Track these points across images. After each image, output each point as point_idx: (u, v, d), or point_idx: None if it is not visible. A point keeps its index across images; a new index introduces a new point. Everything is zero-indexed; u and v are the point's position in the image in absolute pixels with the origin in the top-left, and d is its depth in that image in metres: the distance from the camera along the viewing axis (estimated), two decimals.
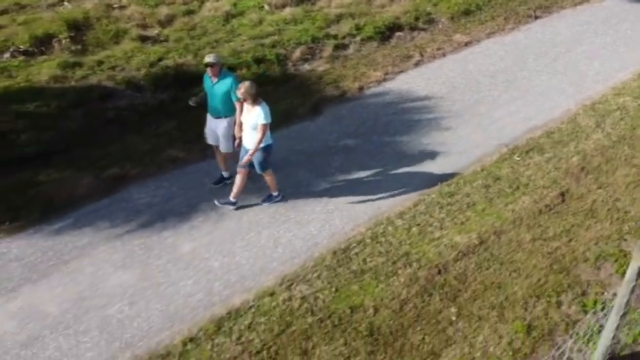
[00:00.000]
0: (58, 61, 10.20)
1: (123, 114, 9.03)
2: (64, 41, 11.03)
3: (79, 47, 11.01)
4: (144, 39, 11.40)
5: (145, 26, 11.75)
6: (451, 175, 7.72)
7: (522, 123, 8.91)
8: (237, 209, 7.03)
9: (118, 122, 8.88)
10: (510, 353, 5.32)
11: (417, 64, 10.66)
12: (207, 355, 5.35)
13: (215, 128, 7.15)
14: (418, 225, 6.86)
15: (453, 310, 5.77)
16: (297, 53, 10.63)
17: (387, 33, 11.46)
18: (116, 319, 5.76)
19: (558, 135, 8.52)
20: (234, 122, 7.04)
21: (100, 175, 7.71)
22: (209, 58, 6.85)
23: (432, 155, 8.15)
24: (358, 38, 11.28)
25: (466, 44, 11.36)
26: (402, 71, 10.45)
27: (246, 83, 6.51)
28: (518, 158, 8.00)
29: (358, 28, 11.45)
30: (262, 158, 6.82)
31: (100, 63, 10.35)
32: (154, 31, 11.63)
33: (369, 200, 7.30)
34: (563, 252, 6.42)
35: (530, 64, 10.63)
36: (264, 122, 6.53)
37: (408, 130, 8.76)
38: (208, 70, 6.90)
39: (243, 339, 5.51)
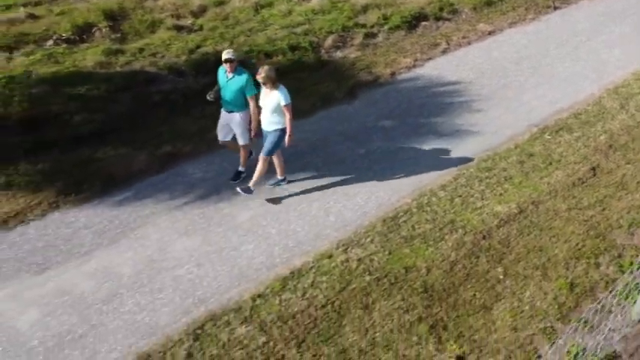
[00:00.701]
0: (101, 48, 10.64)
1: (169, 97, 9.46)
2: (103, 30, 11.46)
3: (118, 36, 11.44)
4: (179, 28, 11.84)
5: (178, 16, 12.20)
6: (486, 153, 8.13)
7: (549, 106, 9.34)
8: (287, 183, 7.41)
9: (165, 105, 9.31)
10: (556, 307, 5.76)
11: (444, 52, 11.10)
12: (277, 309, 5.79)
13: (229, 122, 7.29)
14: (460, 196, 7.30)
15: (500, 270, 6.21)
16: (329, 41, 11.07)
17: (413, 22, 11.90)
18: (186, 278, 6.20)
19: (585, 116, 8.96)
20: (248, 117, 7.19)
21: (154, 153, 8.14)
22: (228, 55, 6.96)
23: (466, 135, 8.58)
24: (386, 27, 11.71)
25: (489, 33, 11.81)
26: (430, 58, 10.88)
27: (266, 67, 6.73)
28: (548, 137, 8.44)
29: (385, 18, 11.88)
30: (276, 140, 6.97)
31: (140, 50, 10.77)
32: (187, 21, 12.07)
33: (410, 175, 7.74)
34: (597, 220, 6.86)
35: (553, 52, 11.08)
36: (285, 103, 6.74)
37: (441, 112, 9.20)
38: (227, 65, 6.99)
39: (307, 295, 5.94)
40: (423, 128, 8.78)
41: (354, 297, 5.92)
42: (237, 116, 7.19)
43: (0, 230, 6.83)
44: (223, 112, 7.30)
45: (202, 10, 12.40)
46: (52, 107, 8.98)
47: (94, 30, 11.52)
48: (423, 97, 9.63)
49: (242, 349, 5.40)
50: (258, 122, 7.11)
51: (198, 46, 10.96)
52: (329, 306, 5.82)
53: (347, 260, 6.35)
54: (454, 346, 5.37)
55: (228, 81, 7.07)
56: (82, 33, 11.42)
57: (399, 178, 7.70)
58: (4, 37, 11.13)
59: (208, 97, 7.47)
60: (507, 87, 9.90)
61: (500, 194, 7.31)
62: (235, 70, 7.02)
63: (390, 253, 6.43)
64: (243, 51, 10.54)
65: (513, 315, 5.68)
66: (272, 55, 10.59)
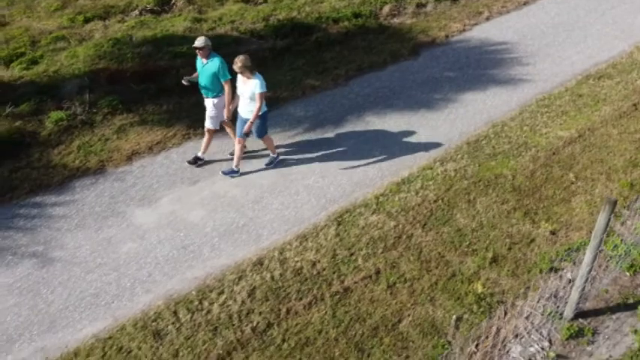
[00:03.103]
0: (184, 16, 11.97)
1: (257, 55, 10.78)
2: (181, 2, 12.79)
3: (194, 7, 12.78)
4: (246, 1, 13.18)
5: None
6: (542, 94, 9.59)
7: (588, 59, 10.81)
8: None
9: (256, 61, 10.62)
10: (621, 199, 7.21)
11: (487, 19, 12.53)
12: (398, 204, 7.20)
13: (206, 107, 7.54)
14: (527, 125, 8.74)
15: (572, 175, 7.65)
16: (386, 9, 12.48)
17: None
18: (315, 186, 7.59)
19: (621, 66, 10.43)
20: (222, 103, 7.43)
21: None
22: (198, 43, 7.18)
23: (521, 82, 10.02)
24: None
25: (524, 3, 13.27)
26: (476, 24, 12.32)
27: (242, 57, 6.91)
28: (592, 82, 9.90)
29: None
30: (261, 125, 7.32)
31: (220, 18, 12.12)
32: None
33: (481, 111, 9.17)
34: None
35: (583, 18, 12.56)
36: (260, 91, 6.97)
37: (496, 65, 10.64)
38: (198, 53, 7.24)
39: (420, 194, 7.36)
40: (483, 77, 10.20)
41: (458, 195, 7.33)
42: (210, 102, 7.45)
43: (147, 155, 8.14)
44: (204, 97, 7.56)
45: None
46: (159, 63, 10.29)
47: (173, 2, 12.80)
48: (477, 54, 11.05)
49: (378, 229, 6.79)
50: (231, 108, 7.41)
51: (270, 15, 12.28)
52: (439, 201, 7.23)
53: (445, 170, 7.76)
54: (546, 225, 6.79)
55: (203, 67, 7.28)
56: (163, 5, 12.71)
57: (471, 113, 9.12)
58: (93, 8, 12.45)
59: (183, 82, 7.61)
60: (548, 46, 11.34)
61: (561, 124, 8.75)
62: (208, 57, 7.24)
63: (479, 165, 7.85)
64: (313, 17, 11.91)
65: (588, 205, 7.12)
66: (338, 21, 11.95)
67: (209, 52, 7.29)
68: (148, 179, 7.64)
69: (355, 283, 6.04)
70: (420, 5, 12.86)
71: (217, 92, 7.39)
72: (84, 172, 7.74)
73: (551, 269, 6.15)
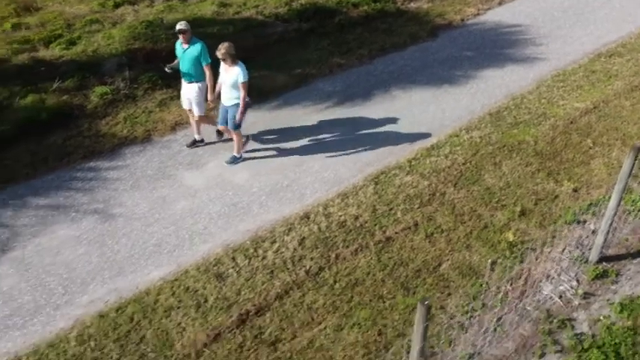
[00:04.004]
0: (212, 1, 12.48)
1: (284, 36, 11.34)
2: None
3: None
4: None
5: None
6: (556, 71, 10.15)
7: (597, 40, 11.38)
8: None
9: (282, 42, 11.21)
10: (637, 162, 7.76)
11: (500, 4, 13.10)
12: (429, 166, 7.74)
13: (188, 93, 7.55)
14: (545, 98, 9.30)
15: (589, 141, 8.21)
16: None
17: None
18: (350, 151, 8.11)
19: (630, 46, 11.00)
20: (206, 88, 7.44)
21: (290, 74, 10.03)
22: (180, 26, 7.18)
23: (536, 60, 10.58)
24: None
25: None
26: (489, 8, 12.88)
27: (226, 44, 6.93)
28: (604, 60, 10.47)
29: None
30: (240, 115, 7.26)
31: (244, 3, 12.64)
32: None
33: (500, 85, 9.72)
34: None
35: (592, 3, 13.13)
36: (243, 80, 7.00)
37: (511, 45, 11.20)
38: (180, 36, 7.24)
39: (449, 158, 7.91)
40: (500, 56, 10.76)
41: (485, 158, 7.88)
42: (195, 87, 7.43)
43: (190, 126, 8.64)
44: (184, 84, 7.57)
45: None
46: None
47: None
48: (493, 36, 11.61)
49: (413, 188, 7.34)
50: (217, 92, 7.44)
51: (291, 0, 12.80)
52: (468, 164, 7.78)
53: (471, 137, 8.31)
54: (569, 183, 7.35)
55: (184, 52, 7.31)
56: None
57: (490, 87, 9.67)
58: None
59: (166, 69, 7.66)
60: (560, 28, 11.91)
61: (576, 96, 9.31)
62: (190, 41, 7.28)
63: (502, 133, 8.41)
64: (335, 2, 12.44)
65: (606, 166, 7.68)
66: (358, 6, 12.49)
67: (190, 36, 7.28)
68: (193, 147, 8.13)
69: (396, 233, 6.58)
70: None
71: (200, 77, 7.39)
72: (132, 140, 8.25)
73: (575, 221, 6.69)
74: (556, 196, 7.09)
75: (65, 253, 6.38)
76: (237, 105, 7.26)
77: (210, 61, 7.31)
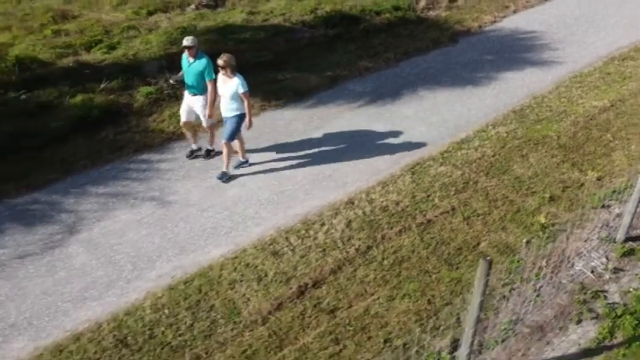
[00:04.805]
0: (241, 9, 13.11)
1: (312, 41, 11.94)
2: None
3: (245, 2, 13.93)
4: None
5: None
6: (573, 73, 10.73)
7: (610, 45, 11.98)
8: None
9: (311, 46, 11.81)
10: None
11: (514, 12, 13.74)
12: (461, 158, 8.26)
13: (192, 105, 7.72)
14: (564, 97, 9.87)
15: (609, 135, 8.75)
16: (422, 3, 13.66)
17: None
18: (385, 145, 8.64)
19: None
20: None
21: (322, 75, 10.61)
22: (187, 42, 7.34)
23: (553, 63, 11.16)
24: None
25: None
26: (505, 16, 13.51)
27: (227, 54, 7.11)
28: (617, 63, 11.06)
29: None
30: (235, 126, 7.42)
31: (271, 11, 13.27)
32: None
33: (521, 86, 10.29)
34: None
35: (601, 11, 13.77)
36: (244, 90, 7.14)
37: (528, 50, 11.80)
38: (187, 52, 7.41)
39: (479, 150, 8.44)
40: (518, 60, 11.35)
41: (512, 151, 8.42)
42: (200, 99, 7.60)
43: None
44: (187, 95, 7.73)
45: None
46: (226, 47, 11.38)
47: None
48: (510, 41, 12.22)
49: (447, 177, 7.87)
50: (215, 106, 7.61)
51: (316, 8, 13.43)
52: (497, 155, 8.31)
53: (498, 132, 8.86)
54: (592, 173, 7.87)
55: (190, 66, 7.47)
56: (217, 0, 13.86)
57: (513, 88, 10.24)
58: (153, 3, 13.58)
59: (170, 80, 7.83)
60: (573, 34, 12.52)
61: (594, 96, 9.88)
62: (196, 56, 7.43)
63: (526, 129, 8.95)
64: (358, 10, 13.07)
65: (627, 157, 8.21)
66: (380, 13, 13.12)
67: (197, 51, 7.45)
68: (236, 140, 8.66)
69: (435, 216, 7.10)
70: (451, 0, 14.02)
71: (204, 90, 7.55)
72: (179, 135, 8.77)
73: (601, 206, 7.21)
74: (582, 184, 7.62)
75: (129, 234, 6.88)
76: (236, 116, 7.37)
77: (213, 77, 7.42)
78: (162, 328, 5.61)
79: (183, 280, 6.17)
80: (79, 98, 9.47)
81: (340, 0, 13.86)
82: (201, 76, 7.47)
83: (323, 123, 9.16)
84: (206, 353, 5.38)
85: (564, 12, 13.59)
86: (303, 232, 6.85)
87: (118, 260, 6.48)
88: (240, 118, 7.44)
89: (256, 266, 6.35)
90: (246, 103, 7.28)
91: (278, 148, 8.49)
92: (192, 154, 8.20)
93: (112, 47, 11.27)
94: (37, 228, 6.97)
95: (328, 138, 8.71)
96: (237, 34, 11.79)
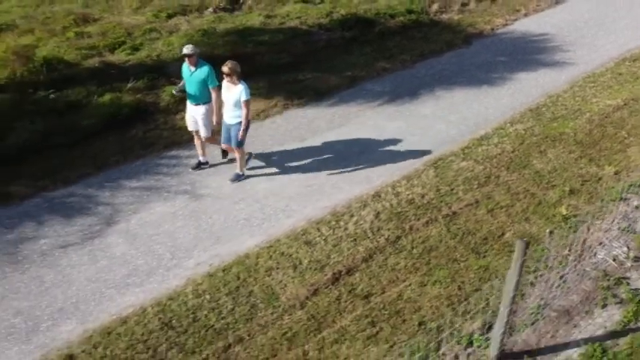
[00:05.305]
0: (259, 13, 13.42)
1: (329, 43, 12.24)
2: (250, 1, 14.27)
3: (261, 6, 14.25)
4: (305, 2, 14.67)
5: None
6: (586, 73, 11.02)
7: (620, 47, 12.27)
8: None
9: (328, 48, 12.10)
10: None
11: (525, 15, 14.06)
12: (482, 153, 8.53)
13: (194, 115, 7.61)
14: (579, 96, 10.15)
15: (624, 132, 9.02)
16: (435, 7, 13.98)
17: None
18: (407, 142, 8.91)
19: None
20: (212, 109, 7.50)
21: (341, 76, 10.89)
22: (187, 50, 7.22)
23: (565, 64, 11.45)
24: None
25: (556, 2, 14.81)
26: (516, 19, 13.82)
27: (232, 61, 7.07)
28: (629, 64, 11.35)
29: None
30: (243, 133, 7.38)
31: (287, 15, 13.57)
32: None
33: (535, 86, 10.57)
34: None
35: (612, 14, 14.08)
36: (246, 98, 7.12)
37: (541, 52, 12.09)
38: (187, 60, 7.27)
39: (499, 146, 8.70)
40: (532, 61, 11.64)
41: (531, 147, 8.69)
42: (202, 109, 7.50)
43: (257, 120, 9.46)
44: (189, 105, 7.62)
45: None
46: (246, 49, 11.70)
47: (241, 1, 14.27)
48: (522, 44, 12.52)
49: (469, 172, 8.13)
50: (220, 114, 7.52)
51: (331, 12, 13.74)
52: (516, 151, 8.58)
53: (516, 130, 9.13)
54: (610, 167, 8.14)
55: (192, 74, 7.37)
56: (234, 3, 14.18)
57: (527, 88, 10.52)
58: (171, 7, 13.89)
59: (174, 92, 7.90)
60: (584, 37, 12.82)
61: (607, 95, 10.16)
62: (197, 64, 7.32)
63: (543, 126, 9.23)
64: (372, 13, 13.38)
65: None
66: (394, 17, 13.43)
67: (197, 59, 7.34)
68: (262, 138, 8.96)
69: (460, 209, 7.36)
70: (463, 4, 14.34)
71: (206, 99, 7.46)
72: None
73: (619, 198, 7.46)
74: (600, 178, 7.88)
75: (165, 226, 7.14)
76: (240, 123, 7.37)
77: (217, 84, 7.34)
78: (205, 312, 5.85)
79: (221, 268, 6.41)
80: (107, 97, 9.74)
81: (354, 4, 14.14)
82: (203, 84, 7.37)
83: (344, 121, 9.43)
84: (248, 335, 5.61)
85: (574, 15, 13.90)
86: (334, 223, 7.10)
87: (156, 249, 6.73)
88: (246, 126, 7.41)
89: (291, 255, 6.60)
90: (245, 111, 7.23)
91: (303, 144, 8.76)
92: (199, 166, 8.13)
93: (135, 48, 11.56)
94: (76, 219, 7.21)
95: (351, 134, 8.98)
96: (256, 36, 12.07)
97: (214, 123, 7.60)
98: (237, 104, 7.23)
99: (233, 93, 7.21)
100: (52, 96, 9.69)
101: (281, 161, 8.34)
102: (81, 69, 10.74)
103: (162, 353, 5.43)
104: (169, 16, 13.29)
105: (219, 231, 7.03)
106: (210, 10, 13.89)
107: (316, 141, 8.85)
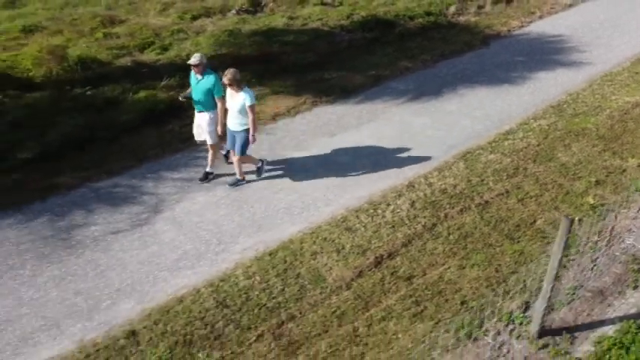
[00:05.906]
0: (282, 14, 13.77)
1: (351, 44, 12.59)
2: (271, 3, 14.64)
3: (282, 8, 14.62)
4: (323, 4, 15.03)
5: None
6: (603, 72, 11.36)
7: (635, 47, 12.61)
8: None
9: (351, 48, 12.45)
10: None
11: (540, 17, 14.42)
12: (508, 147, 8.85)
13: (200, 123, 7.71)
14: (598, 94, 10.47)
15: None
16: (452, 9, 14.34)
17: None
18: (435, 136, 9.22)
19: None
20: (217, 117, 7.59)
21: (365, 75, 11.23)
22: (193, 60, 7.29)
23: (582, 64, 11.79)
24: (489, 1, 15.03)
25: (570, 5, 15.18)
26: (531, 21, 14.18)
27: (232, 70, 7.05)
28: None
29: None
30: (245, 140, 7.46)
31: (308, 17, 13.93)
32: None
33: (555, 85, 10.89)
34: None
35: (624, 16, 14.44)
36: (251, 104, 7.15)
37: (558, 52, 12.44)
38: (193, 69, 7.33)
39: (524, 140, 9.03)
40: (549, 61, 11.98)
41: (555, 141, 9.00)
42: (206, 116, 7.56)
43: (287, 116, 9.80)
44: (196, 113, 7.73)
45: None
46: (272, 49, 12.05)
47: (263, 3, 14.64)
48: (539, 44, 12.87)
49: (498, 164, 8.44)
50: (224, 123, 7.58)
51: (351, 14, 14.10)
52: (541, 145, 8.90)
53: (539, 125, 9.45)
54: (633, 160, 8.45)
55: (198, 83, 7.42)
56: (256, 5, 14.55)
57: (547, 87, 10.85)
58: (195, 9, 14.26)
59: (180, 97, 7.93)
60: (599, 38, 13.17)
61: (625, 92, 10.49)
62: (203, 73, 7.37)
63: (566, 121, 9.55)
64: (392, 15, 13.73)
65: None
66: (413, 18, 13.78)
67: (204, 68, 7.35)
68: (294, 133, 9.29)
69: (492, 198, 7.67)
70: (479, 7, 14.71)
71: (211, 107, 7.52)
72: None
73: None
74: (624, 170, 8.20)
75: (209, 214, 7.45)
76: (245, 130, 7.40)
77: (222, 94, 7.39)
78: (257, 292, 6.15)
79: (267, 252, 6.72)
80: (142, 94, 10.07)
81: (373, 6, 14.50)
82: (209, 93, 7.44)
83: (372, 117, 9.76)
84: (300, 313, 5.92)
85: (588, 17, 14.25)
86: (372, 211, 7.41)
87: (203, 236, 7.04)
88: (249, 132, 7.44)
89: (333, 240, 6.90)
90: (250, 117, 7.27)
91: (334, 139, 9.07)
92: (207, 177, 8.05)
93: (164, 48, 11.90)
94: (123, 208, 7.52)
95: (379, 130, 9.30)
96: (281, 37, 12.41)
97: (219, 132, 7.72)
98: (241, 111, 7.29)
99: (236, 101, 7.28)
100: (88, 92, 10.01)
101: (314, 154, 8.66)
102: (113, 68, 11.06)
103: (219, 329, 5.72)
104: (194, 18, 13.64)
105: (261, 219, 7.33)
106: (233, 11, 14.23)
107: (346, 136, 9.16)
